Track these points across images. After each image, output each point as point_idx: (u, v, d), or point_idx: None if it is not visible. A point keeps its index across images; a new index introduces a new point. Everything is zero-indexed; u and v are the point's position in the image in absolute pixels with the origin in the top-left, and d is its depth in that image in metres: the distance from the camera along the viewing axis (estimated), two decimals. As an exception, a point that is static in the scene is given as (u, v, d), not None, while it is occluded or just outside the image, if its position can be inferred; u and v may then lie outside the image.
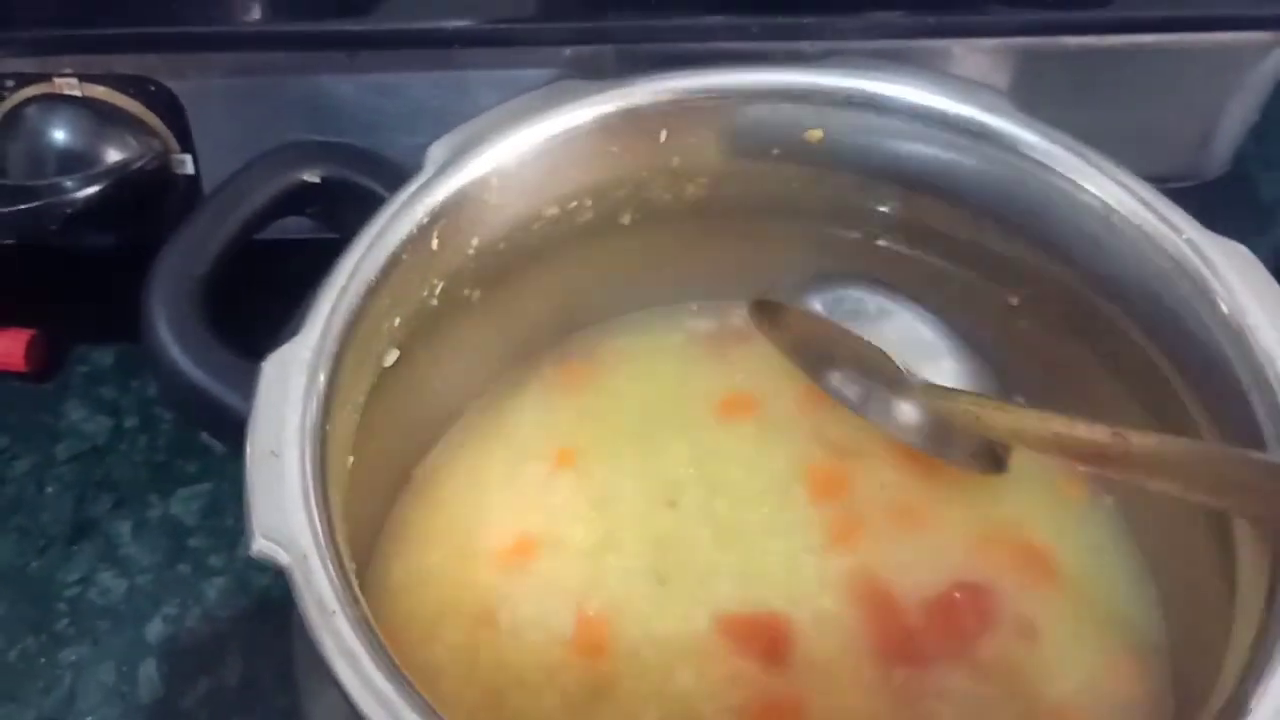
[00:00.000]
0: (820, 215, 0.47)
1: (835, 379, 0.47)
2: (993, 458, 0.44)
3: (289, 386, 0.35)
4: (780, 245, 0.49)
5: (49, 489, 0.57)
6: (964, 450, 0.44)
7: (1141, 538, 0.44)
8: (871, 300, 0.43)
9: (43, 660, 0.51)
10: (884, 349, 0.42)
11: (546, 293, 0.48)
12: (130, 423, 0.59)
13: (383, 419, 0.41)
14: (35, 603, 0.53)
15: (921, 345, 0.43)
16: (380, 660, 0.30)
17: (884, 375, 0.44)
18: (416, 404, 0.46)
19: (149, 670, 0.51)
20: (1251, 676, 0.31)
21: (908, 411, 0.45)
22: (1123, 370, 0.43)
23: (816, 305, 0.44)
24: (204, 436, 0.58)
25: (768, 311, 0.47)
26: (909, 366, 0.42)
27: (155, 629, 0.52)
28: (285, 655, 0.51)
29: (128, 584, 0.53)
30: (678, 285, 0.51)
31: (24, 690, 0.50)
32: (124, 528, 0.55)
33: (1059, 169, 0.41)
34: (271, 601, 0.53)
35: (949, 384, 0.42)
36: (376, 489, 0.44)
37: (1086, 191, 0.40)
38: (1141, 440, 0.35)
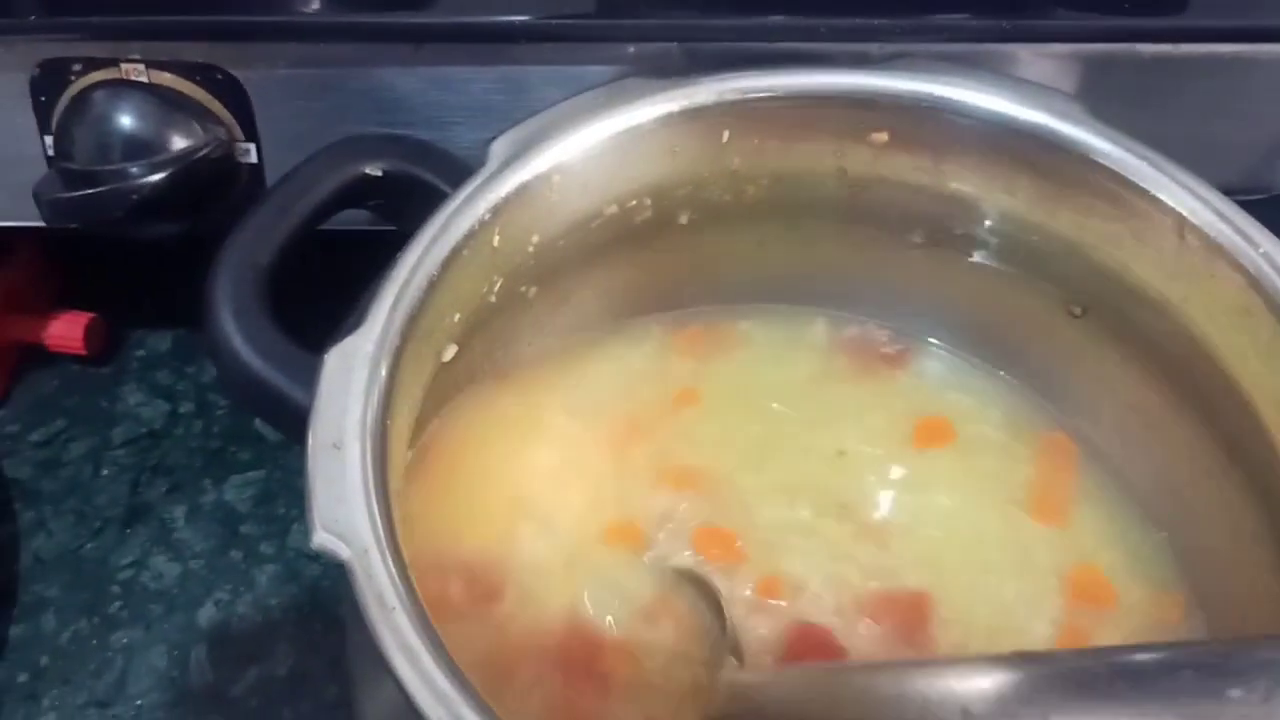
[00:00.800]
0: (881, 221, 0.46)
1: None
2: None
3: (351, 379, 0.34)
4: (836, 250, 0.48)
5: (104, 472, 0.57)
6: None
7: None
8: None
9: (94, 643, 0.52)
10: None
11: (600, 291, 0.48)
12: (186, 408, 0.59)
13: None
14: (89, 585, 0.54)
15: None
16: (439, 657, 0.30)
17: None
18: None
19: (200, 656, 0.51)
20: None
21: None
22: (1188, 384, 0.42)
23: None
24: (258, 424, 0.58)
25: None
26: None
27: (207, 614, 0.53)
28: (335, 646, 0.51)
29: (181, 569, 0.54)
30: (733, 287, 0.51)
31: (75, 673, 0.51)
32: (178, 513, 0.56)
33: (1132, 177, 0.40)
34: (321, 591, 0.53)
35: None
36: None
37: (1160, 201, 0.39)
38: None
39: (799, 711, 0.34)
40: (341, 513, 0.32)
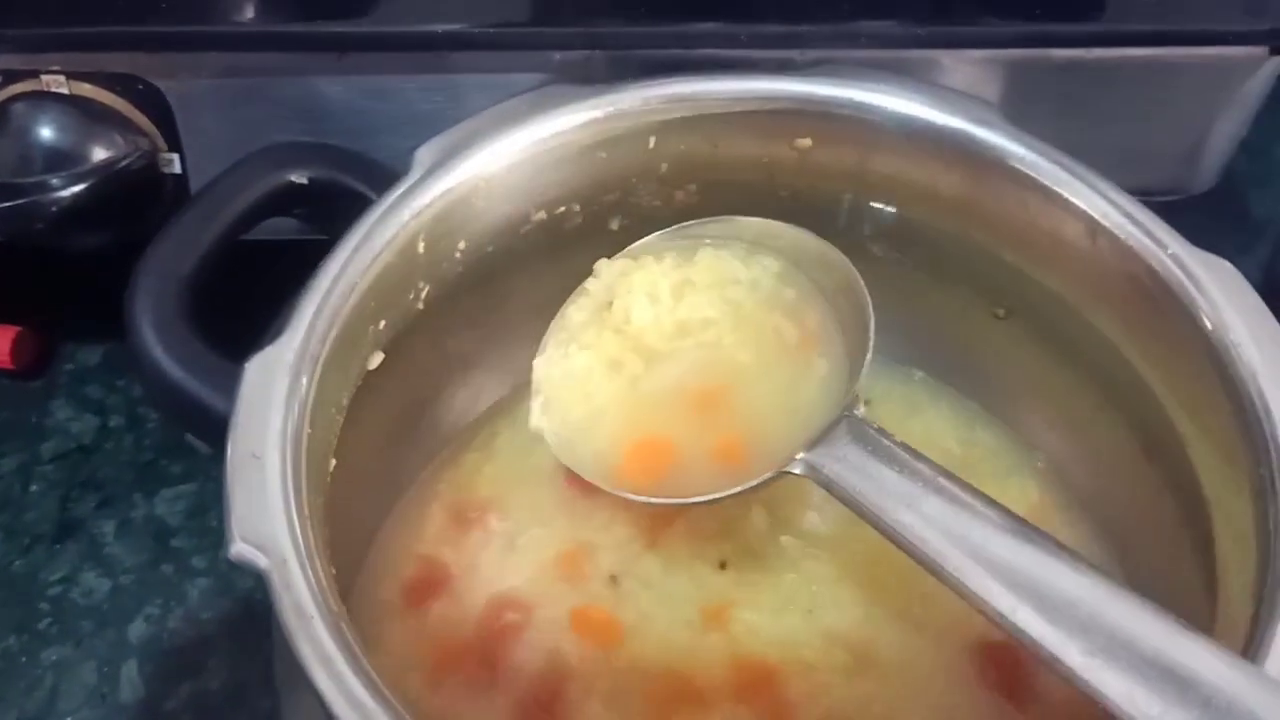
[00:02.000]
0: (807, 223, 0.47)
1: None
2: None
3: (271, 389, 0.35)
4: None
5: (34, 487, 0.56)
6: None
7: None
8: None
9: (24, 660, 0.51)
10: None
11: (532, 298, 0.48)
12: (116, 422, 0.59)
13: (370, 422, 0.41)
14: (18, 602, 0.53)
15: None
16: (356, 666, 0.30)
17: None
18: (405, 410, 0.46)
19: (131, 671, 0.51)
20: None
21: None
22: (1107, 385, 0.43)
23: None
24: (189, 437, 0.58)
25: None
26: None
27: (138, 629, 0.52)
28: (268, 658, 0.51)
29: (111, 584, 0.53)
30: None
31: (5, 690, 0.50)
32: (108, 527, 0.55)
33: (1045, 181, 0.40)
34: (255, 604, 0.53)
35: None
36: (369, 493, 0.44)
37: (1072, 204, 0.40)
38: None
39: None
40: (260, 522, 0.32)
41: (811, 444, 0.38)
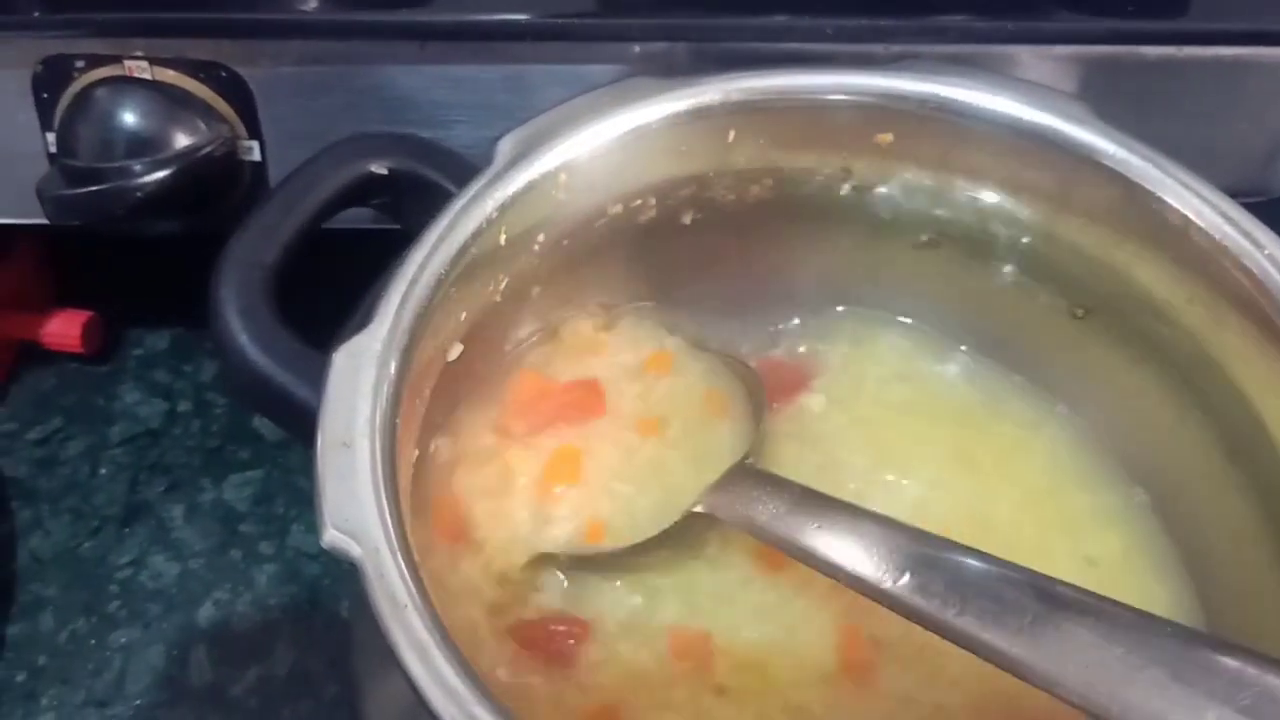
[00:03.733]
0: (884, 222, 0.47)
1: None
2: None
3: (360, 378, 0.34)
4: (840, 249, 0.48)
5: (102, 471, 0.57)
6: None
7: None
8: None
9: (93, 642, 0.52)
10: None
11: (594, 292, 0.48)
12: (184, 407, 0.59)
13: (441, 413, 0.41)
14: (87, 585, 0.53)
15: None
16: (450, 654, 0.30)
17: None
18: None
19: (199, 655, 0.51)
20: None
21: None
22: (1191, 387, 0.42)
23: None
24: (257, 423, 0.58)
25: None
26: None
27: (206, 614, 0.52)
28: (335, 645, 0.51)
29: (179, 568, 0.54)
30: (733, 288, 0.51)
31: (74, 672, 0.51)
32: (176, 512, 0.56)
33: (1137, 179, 0.40)
34: (321, 591, 0.53)
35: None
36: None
37: (1165, 203, 0.40)
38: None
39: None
40: (352, 511, 0.32)
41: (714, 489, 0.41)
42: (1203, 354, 0.41)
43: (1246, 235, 0.38)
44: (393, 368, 0.35)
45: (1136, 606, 0.34)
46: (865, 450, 0.46)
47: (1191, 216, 0.39)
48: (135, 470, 0.57)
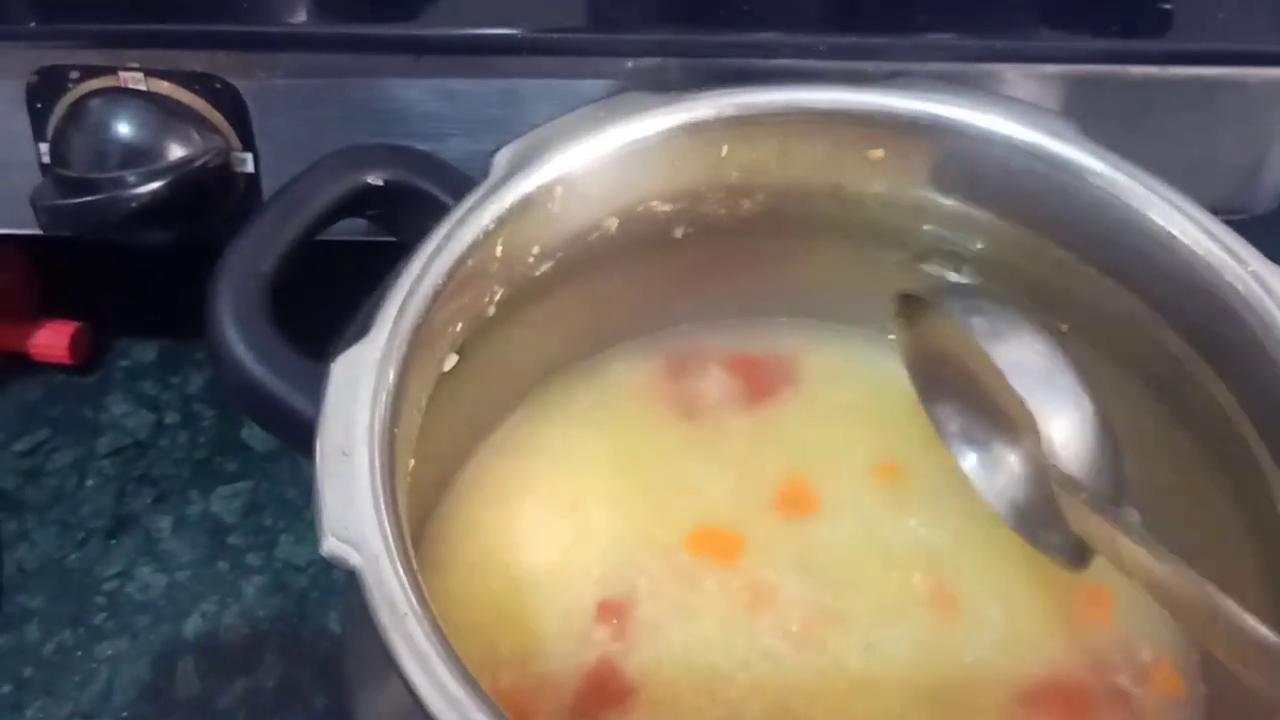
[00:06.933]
0: (874, 236, 0.47)
1: (947, 411, 0.45)
2: (1078, 552, 0.41)
3: (358, 387, 0.35)
4: (827, 265, 0.49)
5: (89, 482, 0.57)
6: (1055, 542, 0.42)
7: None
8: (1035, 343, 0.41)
9: (79, 654, 0.52)
10: (1035, 415, 0.39)
11: (585, 306, 0.48)
12: (171, 419, 0.59)
13: (435, 424, 0.41)
14: (73, 596, 0.53)
15: (1054, 390, 0.40)
16: (451, 662, 0.30)
17: (1007, 433, 0.43)
18: (464, 410, 0.46)
19: (186, 667, 0.51)
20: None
21: (1015, 484, 0.43)
22: (1182, 407, 0.43)
23: (973, 325, 0.41)
24: (245, 435, 0.58)
25: (912, 308, 0.45)
26: (1054, 448, 0.39)
27: (193, 625, 0.52)
28: (323, 656, 0.51)
29: (167, 580, 0.54)
30: (718, 302, 0.51)
31: (60, 684, 0.51)
32: (164, 523, 0.55)
33: (1122, 196, 0.41)
34: (309, 602, 0.53)
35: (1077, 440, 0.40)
36: (425, 493, 0.44)
37: (1148, 219, 0.40)
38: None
39: None
40: (351, 519, 0.32)
41: None
42: (1184, 370, 0.42)
43: (1230, 252, 0.39)
44: (391, 377, 0.35)
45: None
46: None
47: (1176, 233, 0.40)
48: (122, 482, 0.57)
